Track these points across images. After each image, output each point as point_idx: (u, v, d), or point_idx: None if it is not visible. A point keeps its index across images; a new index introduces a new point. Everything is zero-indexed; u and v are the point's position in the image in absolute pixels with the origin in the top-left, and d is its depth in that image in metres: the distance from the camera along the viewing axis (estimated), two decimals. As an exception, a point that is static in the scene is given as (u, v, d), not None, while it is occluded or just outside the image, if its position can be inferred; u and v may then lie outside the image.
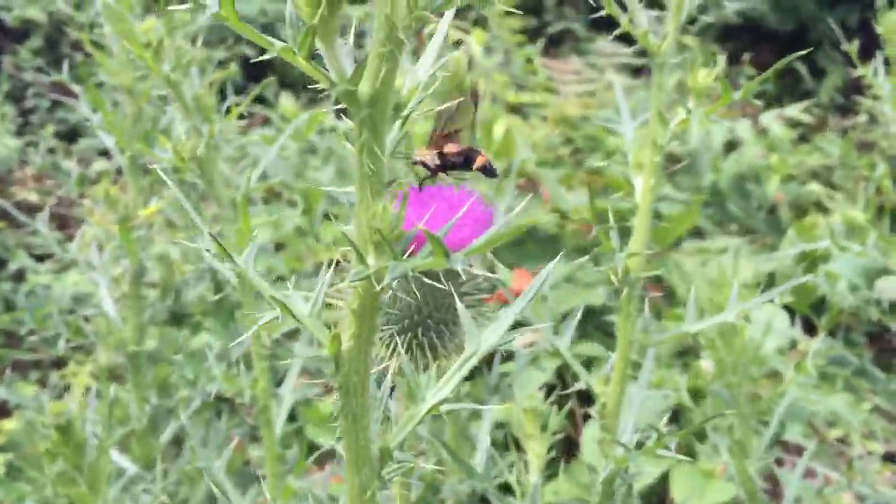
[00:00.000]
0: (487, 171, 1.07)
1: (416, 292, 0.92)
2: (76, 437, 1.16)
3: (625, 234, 1.28)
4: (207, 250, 0.79)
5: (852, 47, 1.84)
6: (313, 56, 0.70)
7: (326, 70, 0.70)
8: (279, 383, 1.56)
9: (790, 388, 1.54)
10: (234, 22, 0.67)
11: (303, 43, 0.67)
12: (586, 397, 1.60)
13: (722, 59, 1.22)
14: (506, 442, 1.49)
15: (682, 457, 1.10)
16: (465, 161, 1.05)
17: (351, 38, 0.73)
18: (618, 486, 1.15)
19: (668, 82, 1.22)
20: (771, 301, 1.45)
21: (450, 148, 1.04)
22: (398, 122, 0.75)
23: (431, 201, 0.96)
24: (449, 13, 0.80)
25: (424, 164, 1.04)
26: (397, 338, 0.94)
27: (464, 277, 0.93)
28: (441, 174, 1.05)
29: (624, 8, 1.20)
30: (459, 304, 0.83)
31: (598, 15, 1.19)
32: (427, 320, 0.94)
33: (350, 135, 0.72)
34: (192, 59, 1.36)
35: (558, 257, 0.92)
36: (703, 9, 1.27)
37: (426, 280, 0.79)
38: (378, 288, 0.72)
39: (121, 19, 1.37)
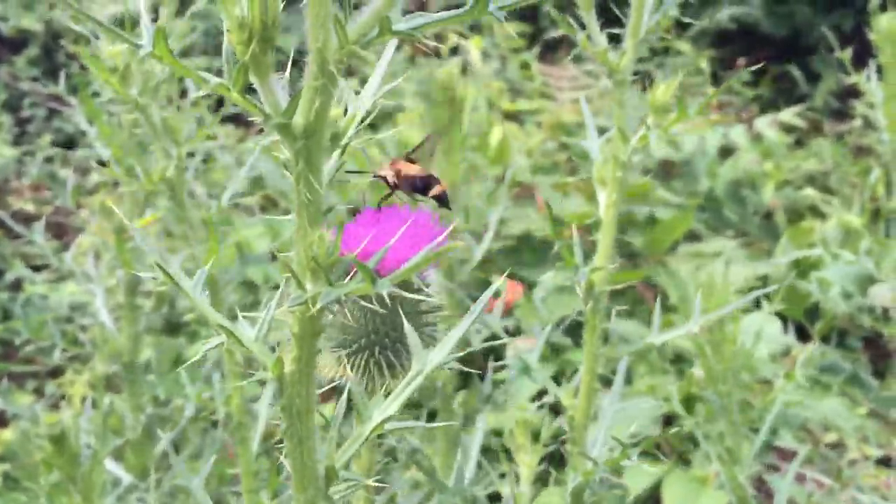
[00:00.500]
0: (441, 200, 1.10)
1: (372, 312, 0.93)
2: (70, 448, 1.17)
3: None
4: (154, 278, 0.81)
5: (845, 54, 1.86)
6: (250, 90, 0.71)
7: (261, 104, 0.72)
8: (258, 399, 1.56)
9: (780, 395, 1.54)
10: (169, 60, 0.69)
11: (236, 79, 0.69)
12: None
13: (705, 67, 1.22)
14: (500, 451, 1.50)
15: (650, 469, 1.11)
16: (423, 185, 1.08)
17: (288, 71, 0.74)
18: (587, 498, 1.17)
19: (627, 98, 1.23)
20: (758, 306, 1.45)
21: (409, 169, 1.07)
22: (337, 152, 0.77)
23: (386, 220, 0.98)
24: (391, 44, 0.81)
25: (384, 180, 1.06)
26: (350, 358, 0.95)
27: (422, 296, 0.96)
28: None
29: (583, 26, 1.21)
30: (406, 324, 0.85)
31: (554, 36, 1.20)
32: (384, 339, 0.96)
33: (288, 165, 0.73)
34: (160, 82, 1.38)
35: (494, 287, 0.93)
36: (697, 14, 1.28)
37: (384, 300, 0.82)
38: (313, 311, 0.74)
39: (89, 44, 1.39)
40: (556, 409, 1.42)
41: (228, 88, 0.69)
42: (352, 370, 0.95)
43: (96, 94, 1.68)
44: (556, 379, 2.59)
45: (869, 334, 3.03)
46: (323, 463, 0.84)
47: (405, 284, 0.95)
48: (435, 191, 1.08)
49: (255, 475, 1.45)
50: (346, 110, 0.79)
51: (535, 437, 1.34)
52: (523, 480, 1.30)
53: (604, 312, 1.24)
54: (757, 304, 1.72)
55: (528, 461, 1.31)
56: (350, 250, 0.82)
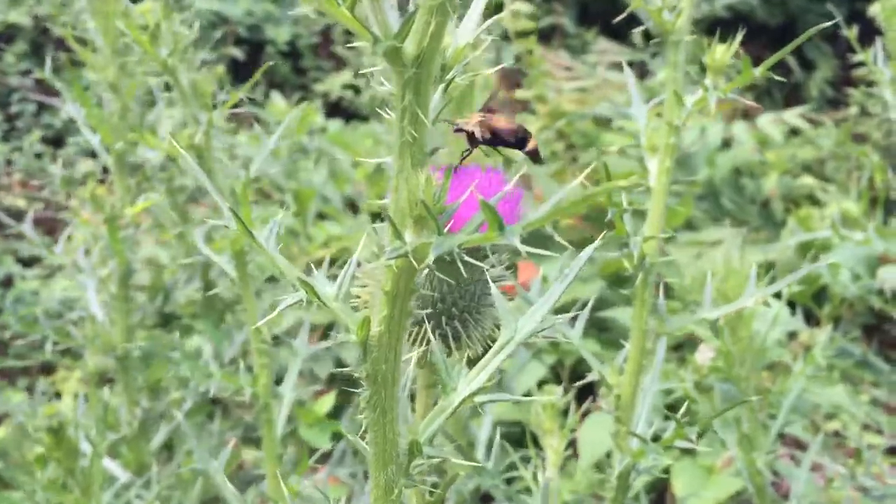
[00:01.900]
0: (535, 156, 1.01)
1: (439, 279, 0.87)
2: (69, 441, 1.13)
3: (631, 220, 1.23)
4: (199, 245, 0.75)
5: (851, 32, 1.82)
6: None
7: (370, 25, 0.64)
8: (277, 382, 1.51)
9: (797, 381, 1.50)
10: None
11: None
12: (581, 394, 1.57)
13: (736, 40, 1.17)
14: (517, 438, 1.45)
15: (690, 445, 1.07)
16: (516, 140, 0.98)
17: None
18: (633, 479, 1.12)
19: (682, 60, 1.17)
20: (778, 295, 1.41)
21: (501, 122, 0.96)
22: (441, 87, 0.70)
23: (465, 178, 0.90)
24: None
25: (471, 136, 0.95)
26: (415, 328, 0.88)
27: (488, 265, 0.89)
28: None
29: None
30: (494, 288, 0.79)
31: (549, 24, 1.15)
32: (452, 308, 0.90)
33: (391, 99, 0.66)
34: (190, 44, 1.31)
35: (594, 244, 0.87)
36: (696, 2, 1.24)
37: (452, 266, 0.72)
38: (418, 267, 0.67)
39: (111, 2, 1.31)
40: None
41: (337, 3, 0.61)
42: (415, 342, 0.88)
43: (86, 89, 1.63)
44: (555, 370, 2.57)
45: (869, 322, 3.01)
46: (406, 438, 0.77)
47: (477, 251, 0.90)
48: (531, 145, 0.99)
49: (279, 459, 1.40)
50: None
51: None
52: (550, 465, 1.27)
53: (652, 287, 1.18)
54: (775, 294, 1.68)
55: (555, 446, 1.27)
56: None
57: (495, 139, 0.95)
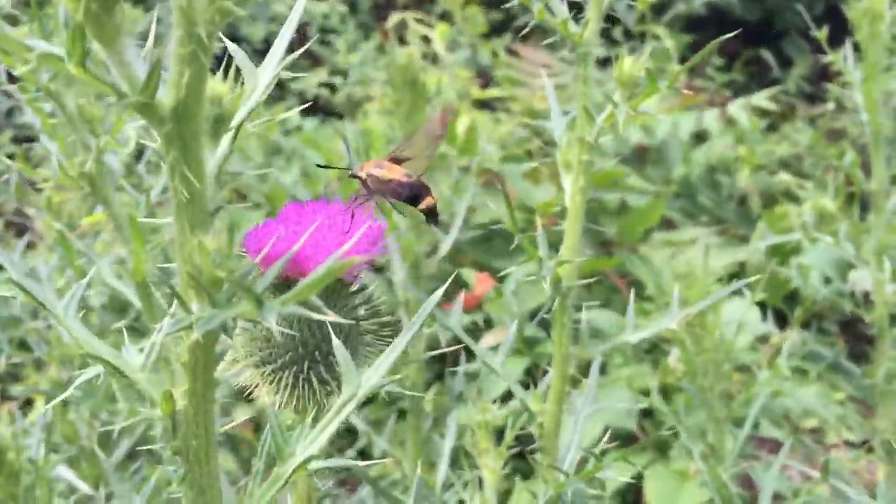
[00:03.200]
0: (431, 215, 0.94)
1: (299, 322, 0.83)
2: (10, 465, 1.09)
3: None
4: (11, 297, 0.71)
5: (822, 33, 1.80)
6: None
7: (114, 78, 0.57)
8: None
9: (763, 388, 1.49)
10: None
11: (71, 45, 0.53)
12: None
13: (646, 52, 1.11)
14: (457, 457, 1.42)
15: (611, 476, 1.04)
16: (411, 195, 0.92)
17: (151, 39, 0.61)
18: None
19: (591, 74, 1.11)
20: (740, 294, 1.38)
21: (392, 172, 0.91)
22: (227, 138, 0.63)
23: (312, 214, 0.86)
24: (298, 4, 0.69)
25: (362, 183, 0.90)
26: (276, 374, 0.83)
27: (357, 301, 0.85)
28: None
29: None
30: (335, 340, 0.75)
31: (525, 22, 1.10)
32: (315, 352, 0.84)
33: (160, 154, 0.60)
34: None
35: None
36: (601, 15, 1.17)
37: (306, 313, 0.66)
38: (197, 339, 0.61)
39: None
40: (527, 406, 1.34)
41: (62, 60, 0.54)
42: (277, 390, 0.83)
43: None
44: (531, 373, 2.54)
45: (846, 318, 3.00)
46: None
47: (336, 287, 0.86)
48: (426, 203, 0.92)
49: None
50: (237, 85, 0.65)
51: (500, 438, 1.26)
52: (488, 487, 1.22)
53: (574, 307, 1.14)
54: (737, 292, 1.66)
55: (492, 466, 1.23)
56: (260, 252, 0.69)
57: (387, 190, 0.91)
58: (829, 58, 1.84)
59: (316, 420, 0.74)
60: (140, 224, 1.18)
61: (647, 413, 2.32)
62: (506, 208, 1.06)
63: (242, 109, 0.63)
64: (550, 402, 1.14)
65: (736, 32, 0.98)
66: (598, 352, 1.14)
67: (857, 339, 2.91)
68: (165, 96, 0.57)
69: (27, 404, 2.47)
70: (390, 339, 0.87)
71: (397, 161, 0.94)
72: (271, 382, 0.84)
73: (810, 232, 1.67)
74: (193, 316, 0.59)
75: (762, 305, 2.15)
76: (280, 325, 0.83)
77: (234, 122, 0.62)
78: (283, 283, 0.82)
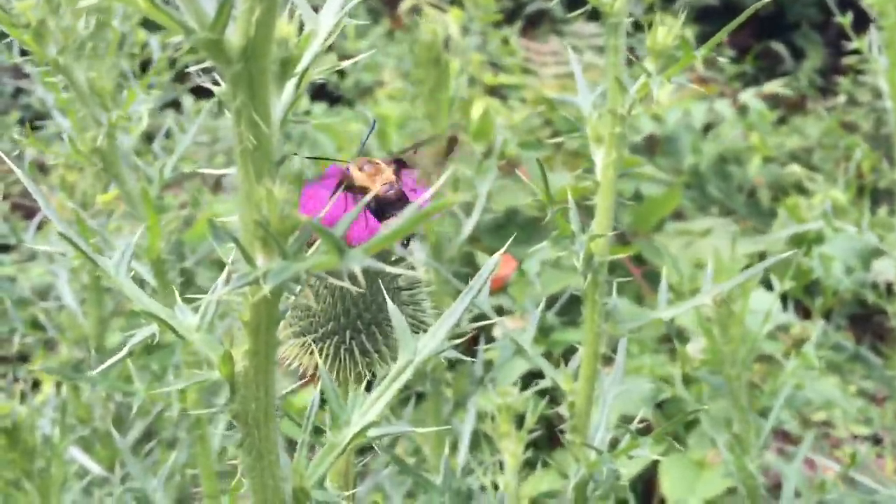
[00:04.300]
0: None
1: (341, 290, 0.80)
2: (24, 442, 1.07)
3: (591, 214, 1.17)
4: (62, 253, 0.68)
5: (846, 19, 1.77)
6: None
7: (181, 14, 0.53)
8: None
9: (789, 379, 1.46)
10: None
11: None
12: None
13: (678, 21, 1.08)
14: (477, 440, 1.40)
15: (658, 457, 1.02)
16: (375, 207, 0.83)
17: None
18: (591, 491, 1.07)
19: (623, 45, 1.07)
20: (768, 287, 1.36)
21: (381, 175, 0.83)
22: (291, 83, 0.60)
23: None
24: None
25: (346, 179, 0.83)
26: (318, 344, 0.81)
27: (402, 269, 0.81)
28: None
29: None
30: (391, 305, 0.71)
31: (536, 9, 1.07)
32: (357, 321, 0.82)
33: (224, 99, 0.56)
34: (84, 40, 1.21)
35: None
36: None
37: (356, 276, 0.60)
38: (266, 293, 0.56)
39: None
40: (543, 391, 1.32)
41: None
42: (320, 359, 0.80)
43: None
44: (546, 359, 2.52)
45: (856, 312, 2.98)
46: (290, 481, 0.67)
47: (383, 255, 0.83)
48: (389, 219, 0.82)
49: (217, 476, 1.32)
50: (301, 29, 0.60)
51: (520, 423, 1.25)
52: (508, 470, 1.20)
53: (604, 287, 1.11)
54: (764, 284, 1.64)
55: (512, 450, 1.21)
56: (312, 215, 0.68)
57: (376, 198, 0.82)
58: (853, 44, 1.81)
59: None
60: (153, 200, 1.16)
61: (657, 404, 2.30)
62: (539, 179, 1.03)
63: (308, 53, 0.59)
64: (582, 381, 1.11)
65: (741, 19, 0.95)
66: (631, 328, 1.12)
67: (867, 333, 2.89)
68: (234, 35, 0.54)
69: (34, 387, 2.46)
70: (430, 310, 0.86)
71: (401, 164, 0.87)
72: (312, 352, 0.82)
73: (833, 221, 1.65)
74: (261, 269, 0.55)
75: (783, 295, 2.13)
76: (322, 293, 0.80)
77: (300, 67, 0.58)
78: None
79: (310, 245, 0.70)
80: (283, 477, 0.66)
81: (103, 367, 0.67)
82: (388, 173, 0.83)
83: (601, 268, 1.09)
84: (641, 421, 1.12)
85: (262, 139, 0.56)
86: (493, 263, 0.73)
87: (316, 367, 0.80)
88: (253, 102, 0.55)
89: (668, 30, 1.03)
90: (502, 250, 0.80)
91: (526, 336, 1.14)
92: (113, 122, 1.25)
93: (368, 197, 0.75)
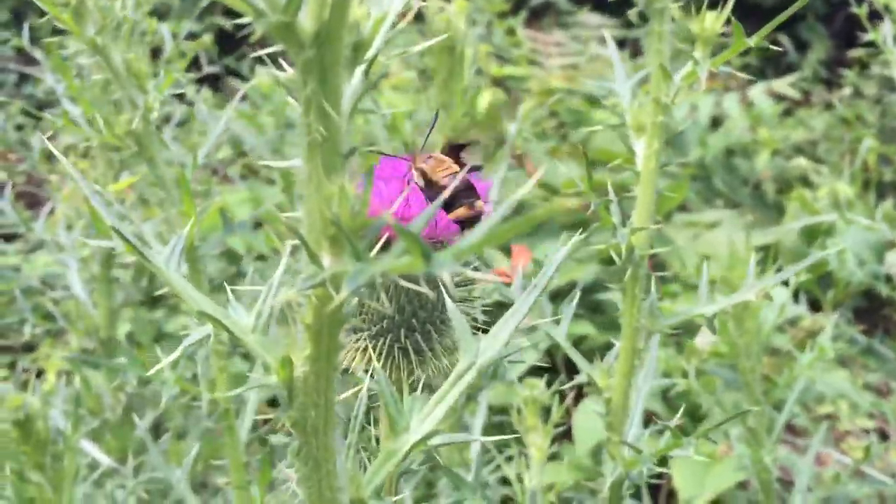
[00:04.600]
0: (464, 225, 0.80)
1: (395, 287, 0.77)
2: (37, 434, 1.06)
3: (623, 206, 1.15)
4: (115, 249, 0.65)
5: (862, 10, 1.76)
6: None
7: None
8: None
9: (804, 372, 1.45)
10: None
11: None
12: (575, 370, 1.51)
13: (728, 6, 1.06)
14: (509, 432, 1.39)
15: (685, 454, 1.01)
16: (464, 193, 0.79)
17: None
18: (626, 490, 1.06)
19: (667, 30, 1.05)
20: (786, 282, 1.35)
21: (450, 168, 0.79)
22: (360, 69, 0.55)
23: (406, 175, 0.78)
24: None
25: (417, 174, 0.79)
26: (372, 342, 0.78)
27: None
28: None
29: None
30: (450, 305, 0.69)
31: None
32: (411, 320, 0.80)
33: (292, 87, 0.53)
34: (121, 20, 1.19)
35: (573, 239, 0.80)
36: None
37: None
38: (337, 298, 0.53)
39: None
40: (550, 381, 1.31)
41: None
42: (373, 358, 0.77)
43: (63, 48, 1.56)
44: (551, 353, 2.52)
45: (861, 305, 2.98)
46: (346, 491, 0.64)
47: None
48: (456, 212, 0.77)
49: (245, 467, 1.31)
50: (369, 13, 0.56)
51: (544, 417, 1.24)
52: (534, 464, 1.19)
53: (643, 281, 1.08)
54: (764, 270, 1.63)
55: (539, 443, 1.20)
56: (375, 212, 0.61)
57: (427, 188, 0.79)
58: (868, 36, 1.80)
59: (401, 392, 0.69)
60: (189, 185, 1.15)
61: (664, 396, 2.30)
62: (584, 168, 1.01)
63: (379, 37, 0.55)
64: (618, 377, 1.09)
65: (791, 11, 0.94)
66: (670, 325, 1.09)
67: (874, 326, 2.89)
68: (307, 18, 0.50)
69: (38, 376, 2.45)
70: (480, 308, 0.83)
71: (458, 149, 0.83)
72: (365, 350, 0.79)
73: (846, 213, 1.64)
74: (329, 271, 0.52)
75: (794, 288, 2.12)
76: (375, 290, 0.74)
77: (372, 52, 0.54)
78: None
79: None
80: (339, 487, 0.63)
81: (179, 350, 0.64)
82: (451, 164, 0.80)
83: (642, 261, 1.07)
84: (650, 414, 1.11)
85: (332, 130, 0.52)
86: (563, 255, 0.71)
87: (367, 364, 0.78)
88: (324, 90, 0.51)
89: (717, 16, 1.01)
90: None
91: (560, 330, 1.12)
92: (150, 105, 1.24)
93: (446, 192, 0.73)
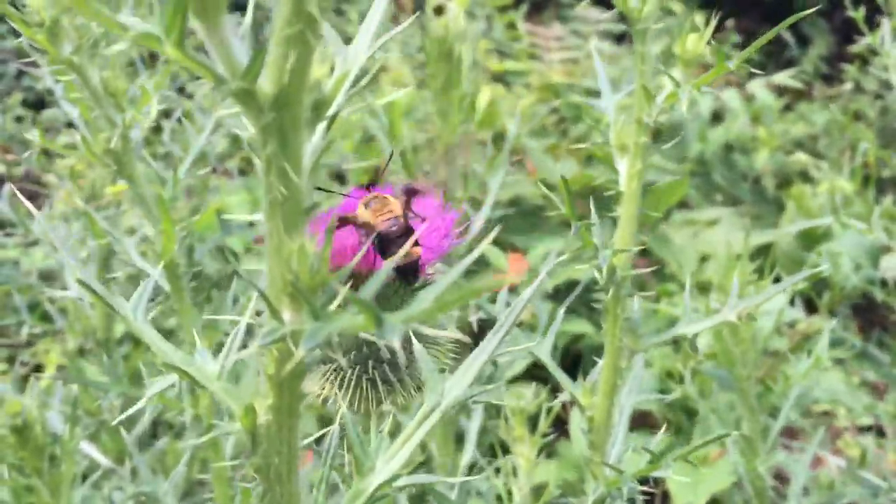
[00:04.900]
0: (405, 272, 0.80)
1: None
2: (35, 440, 1.07)
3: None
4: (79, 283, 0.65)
5: (859, 13, 1.76)
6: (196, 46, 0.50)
7: (211, 62, 0.50)
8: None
9: (801, 380, 1.46)
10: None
11: (170, 23, 0.47)
12: (573, 368, 1.51)
13: (709, 27, 1.06)
14: (496, 444, 1.39)
15: (665, 474, 1.01)
16: (378, 244, 0.79)
17: (249, 17, 0.53)
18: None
19: (651, 51, 1.04)
20: (764, 277, 1.35)
21: (385, 209, 0.78)
22: (321, 126, 0.56)
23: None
24: None
25: (350, 217, 0.79)
26: (338, 374, 0.78)
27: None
28: None
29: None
30: (417, 345, 0.70)
31: None
32: (379, 351, 0.79)
33: (253, 146, 0.53)
34: (98, 38, 1.18)
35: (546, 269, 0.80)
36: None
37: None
38: (297, 354, 0.54)
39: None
40: (544, 380, 1.31)
41: (159, 39, 0.48)
42: (339, 389, 0.78)
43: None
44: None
45: (859, 303, 2.98)
46: None
47: (399, 284, 0.80)
48: (402, 256, 0.76)
49: (229, 483, 1.30)
50: (332, 68, 0.58)
51: (533, 426, 1.24)
52: (522, 473, 1.19)
53: (626, 301, 1.09)
54: (761, 274, 1.64)
55: (526, 453, 1.20)
56: (336, 259, 0.63)
57: (374, 234, 0.79)
58: (865, 40, 1.80)
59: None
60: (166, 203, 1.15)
61: (663, 391, 2.30)
62: (564, 194, 1.01)
63: (341, 94, 0.55)
64: (601, 396, 1.09)
65: (792, 20, 0.94)
66: (653, 344, 1.09)
67: (871, 323, 2.89)
68: (266, 82, 0.51)
69: (36, 370, 2.46)
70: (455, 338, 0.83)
71: (412, 193, 0.83)
72: (333, 381, 0.80)
73: (842, 217, 1.64)
74: (289, 327, 0.53)
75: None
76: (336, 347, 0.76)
77: (333, 110, 0.55)
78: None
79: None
80: None
81: (140, 404, 0.65)
82: (395, 207, 0.80)
83: (623, 282, 1.07)
84: (645, 413, 1.11)
85: (292, 189, 0.53)
86: (528, 294, 0.70)
87: (342, 390, 0.79)
88: (284, 152, 0.52)
89: (699, 37, 1.01)
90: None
91: (544, 348, 1.12)
92: (128, 124, 1.23)
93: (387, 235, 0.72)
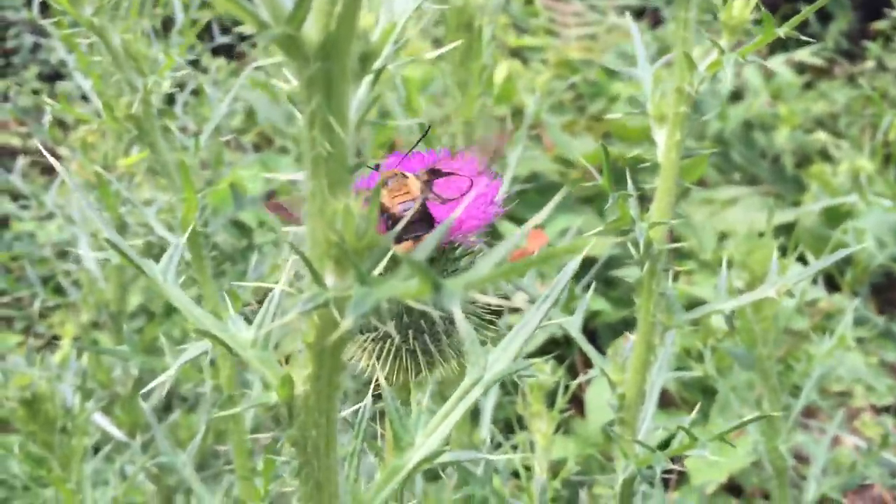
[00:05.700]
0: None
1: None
2: (45, 414, 1.05)
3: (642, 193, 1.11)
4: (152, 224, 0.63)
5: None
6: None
7: (254, 6, 0.46)
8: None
9: (825, 360, 1.43)
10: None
11: None
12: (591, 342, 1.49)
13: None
14: (508, 418, 1.38)
15: (700, 453, 0.99)
16: (417, 224, 0.75)
17: None
18: (637, 486, 1.04)
19: (693, 18, 1.00)
20: (804, 260, 1.32)
21: (409, 194, 0.74)
22: (367, 80, 0.53)
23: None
24: None
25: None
26: (377, 344, 0.75)
27: (461, 266, 0.76)
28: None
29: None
30: (458, 315, 0.69)
31: None
32: (420, 320, 0.77)
33: (296, 99, 0.49)
34: (119, 0, 1.15)
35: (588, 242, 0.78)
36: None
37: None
38: (344, 322, 0.47)
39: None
40: (561, 359, 1.30)
41: None
42: (378, 360, 0.75)
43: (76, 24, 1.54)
44: (556, 339, 2.50)
45: (879, 282, 2.94)
46: None
47: (442, 251, 0.78)
48: (404, 245, 0.73)
49: (249, 455, 1.29)
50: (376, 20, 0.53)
51: (550, 402, 1.22)
52: (539, 450, 1.18)
53: (661, 275, 1.05)
54: (783, 252, 1.61)
55: (543, 430, 1.19)
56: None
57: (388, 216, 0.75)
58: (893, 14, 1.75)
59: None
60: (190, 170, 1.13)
61: (680, 367, 2.28)
62: (604, 165, 0.98)
63: (388, 46, 0.51)
64: (632, 372, 1.06)
65: None
66: (687, 321, 1.07)
67: (889, 304, 2.86)
68: (312, 29, 0.47)
69: (54, 339, 2.46)
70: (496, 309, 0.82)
71: (435, 174, 0.79)
72: (372, 352, 0.77)
73: (867, 194, 1.61)
74: (333, 293, 0.49)
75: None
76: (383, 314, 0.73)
77: (379, 63, 0.51)
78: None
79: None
80: None
81: (171, 370, 0.62)
82: (413, 188, 0.76)
83: (660, 256, 1.04)
84: (661, 392, 1.10)
85: (337, 145, 0.49)
86: (570, 271, 0.69)
87: (379, 361, 0.76)
88: (329, 105, 0.48)
89: (745, 3, 0.98)
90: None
91: (574, 324, 1.10)
92: (149, 88, 1.20)
93: (407, 221, 0.69)
